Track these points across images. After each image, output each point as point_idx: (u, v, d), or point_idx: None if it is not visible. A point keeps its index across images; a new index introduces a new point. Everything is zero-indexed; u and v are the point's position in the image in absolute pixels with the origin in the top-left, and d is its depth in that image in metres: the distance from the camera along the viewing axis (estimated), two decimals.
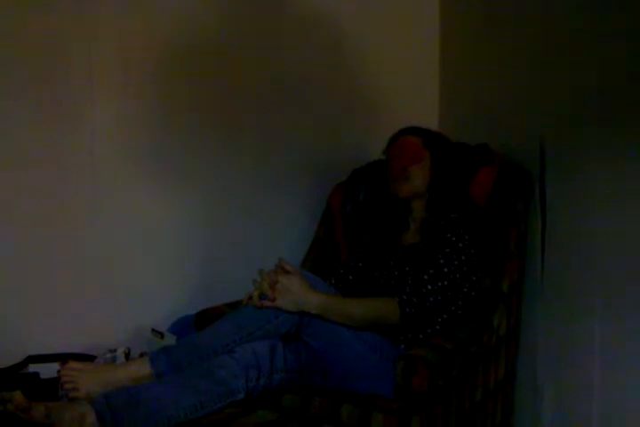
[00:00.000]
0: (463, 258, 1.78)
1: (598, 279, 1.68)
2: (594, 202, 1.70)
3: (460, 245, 1.79)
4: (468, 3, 2.36)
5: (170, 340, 1.97)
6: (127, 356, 1.91)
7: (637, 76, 1.54)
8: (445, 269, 1.76)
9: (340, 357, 1.70)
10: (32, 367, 2.00)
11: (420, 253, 1.86)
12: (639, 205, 1.55)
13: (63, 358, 1.86)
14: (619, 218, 1.62)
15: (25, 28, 2.08)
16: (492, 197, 1.96)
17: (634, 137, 1.56)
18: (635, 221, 1.56)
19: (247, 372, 1.61)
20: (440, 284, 1.75)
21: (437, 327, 1.80)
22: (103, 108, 2.17)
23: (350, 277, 2.02)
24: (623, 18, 1.58)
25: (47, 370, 1.94)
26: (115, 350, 1.91)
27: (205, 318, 1.92)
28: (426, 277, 1.76)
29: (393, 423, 1.54)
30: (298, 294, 1.67)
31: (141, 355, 1.86)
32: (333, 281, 2.01)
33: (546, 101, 1.91)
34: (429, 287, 1.75)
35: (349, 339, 1.69)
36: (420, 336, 1.79)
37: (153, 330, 2.06)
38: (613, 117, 1.64)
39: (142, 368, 1.65)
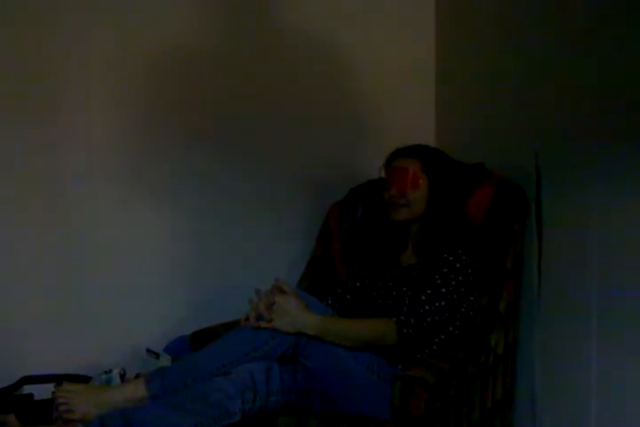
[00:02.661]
0: (461, 278, 1.78)
1: (595, 298, 1.68)
2: (590, 221, 1.70)
3: (458, 265, 1.79)
4: (465, 19, 2.37)
5: (165, 360, 1.95)
6: (123, 377, 1.89)
7: (635, 95, 1.55)
8: (443, 290, 1.76)
9: (336, 378, 1.70)
10: (26, 389, 1.98)
11: (417, 274, 1.86)
12: (635, 224, 1.56)
13: (58, 379, 1.85)
14: (615, 236, 1.62)
15: (23, 42, 2.09)
16: (488, 216, 1.96)
17: (630, 155, 1.56)
18: (631, 239, 1.57)
19: (243, 394, 1.60)
20: (437, 304, 1.75)
21: (435, 347, 1.80)
22: (97, 124, 2.18)
23: (348, 297, 2.01)
24: (624, 33, 1.59)
25: (42, 391, 1.92)
26: (110, 371, 1.90)
27: (201, 338, 1.91)
28: (423, 297, 1.75)
29: None
30: (295, 314, 1.66)
31: (137, 376, 1.84)
32: (330, 301, 2.00)
33: (542, 120, 1.91)
34: (427, 308, 1.74)
35: (346, 360, 1.69)
36: (418, 356, 1.79)
37: (148, 350, 2.04)
38: (610, 136, 1.64)
39: (138, 390, 1.64)
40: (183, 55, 2.25)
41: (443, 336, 1.80)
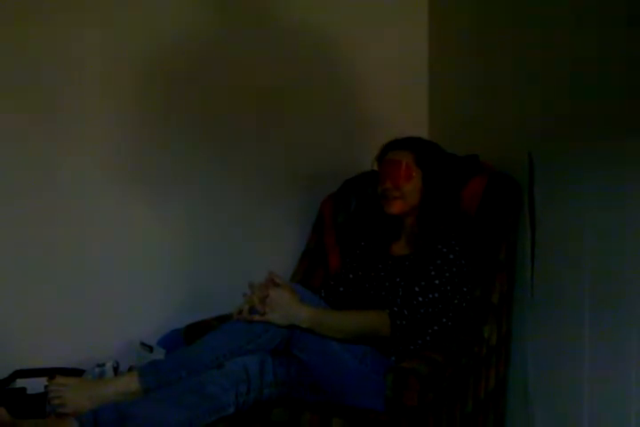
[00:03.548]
0: (454, 270, 1.78)
1: (587, 290, 1.69)
2: (583, 213, 1.70)
3: (451, 256, 1.79)
4: (457, 17, 2.38)
5: (159, 353, 1.95)
6: (116, 370, 1.89)
7: (629, 89, 1.55)
8: (436, 281, 1.76)
9: (330, 370, 1.70)
10: (19, 382, 1.98)
11: (410, 265, 1.86)
12: (627, 217, 1.56)
13: (51, 372, 1.85)
14: (607, 229, 1.62)
15: (23, 42, 2.07)
16: (481, 208, 1.96)
17: (624, 148, 1.57)
18: (623, 232, 1.57)
19: (237, 386, 1.60)
20: (431, 295, 1.75)
21: (428, 339, 1.80)
22: (97, 124, 2.17)
23: (341, 289, 2.01)
24: (622, 27, 1.59)
25: (35, 385, 1.91)
26: (103, 365, 1.89)
27: (194, 331, 1.91)
28: (417, 288, 1.76)
29: None
30: (288, 307, 1.66)
31: (130, 369, 1.84)
32: (323, 293, 2.00)
33: (534, 113, 1.91)
34: (420, 299, 1.74)
35: (339, 352, 1.69)
36: (411, 348, 1.79)
37: (142, 344, 2.04)
38: (603, 129, 1.65)
39: (131, 383, 1.63)
40: (182, 54, 2.24)
41: (436, 328, 1.80)
